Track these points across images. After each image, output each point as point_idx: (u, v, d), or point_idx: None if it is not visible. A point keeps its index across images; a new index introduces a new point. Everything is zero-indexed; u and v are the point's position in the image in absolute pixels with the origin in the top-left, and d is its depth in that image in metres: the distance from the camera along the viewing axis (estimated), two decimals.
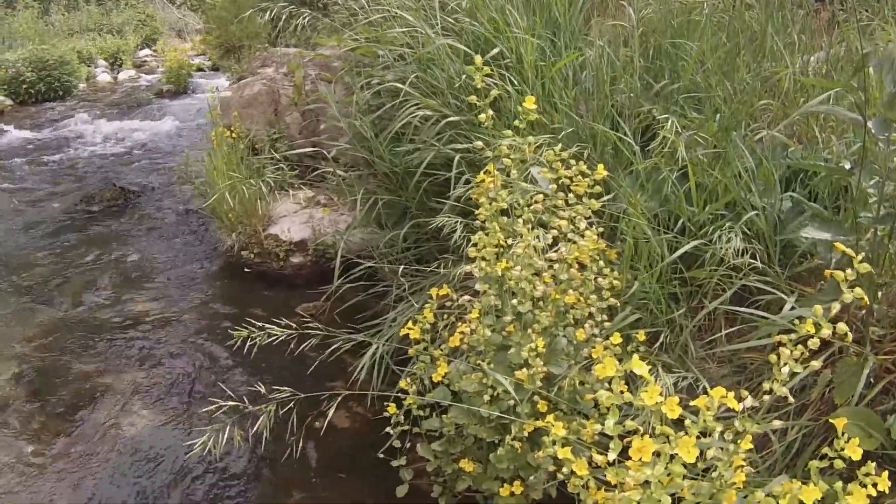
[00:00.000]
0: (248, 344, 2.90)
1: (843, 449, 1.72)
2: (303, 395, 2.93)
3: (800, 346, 1.79)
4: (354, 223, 4.30)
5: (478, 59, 2.68)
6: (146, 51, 18.78)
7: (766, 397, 1.80)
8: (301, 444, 3.35)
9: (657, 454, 1.67)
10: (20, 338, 4.86)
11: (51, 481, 3.56)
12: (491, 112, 2.83)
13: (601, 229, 2.87)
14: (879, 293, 2.67)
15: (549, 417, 2.28)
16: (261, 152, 5.85)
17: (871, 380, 2.52)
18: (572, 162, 2.62)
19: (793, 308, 2.60)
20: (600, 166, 2.63)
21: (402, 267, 3.66)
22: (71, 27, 17.66)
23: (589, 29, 4.43)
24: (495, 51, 3.77)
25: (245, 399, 2.91)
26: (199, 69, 14.84)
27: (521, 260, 2.52)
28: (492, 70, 3.10)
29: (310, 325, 3.12)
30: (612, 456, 1.80)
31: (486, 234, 2.64)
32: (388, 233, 4.14)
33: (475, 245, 2.60)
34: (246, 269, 5.33)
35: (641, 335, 2.76)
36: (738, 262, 2.86)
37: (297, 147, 5.53)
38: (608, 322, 2.73)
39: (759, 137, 3.38)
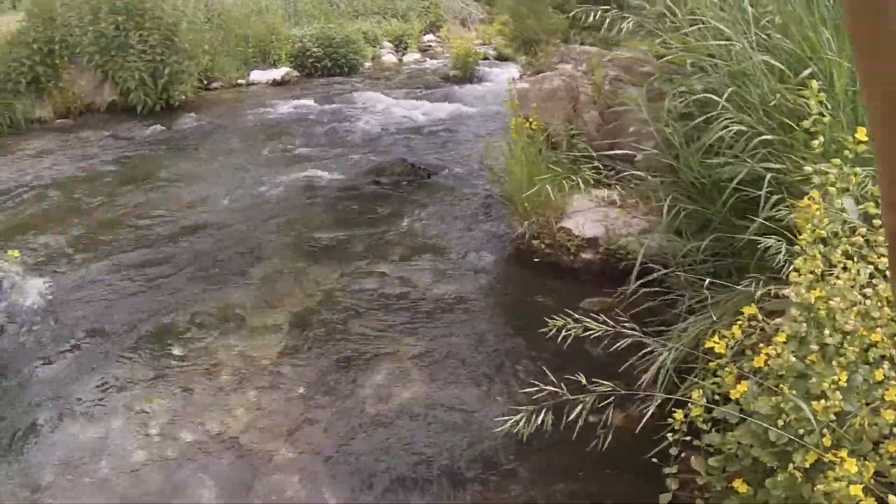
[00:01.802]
0: (542, 333, 3.04)
1: None
2: (622, 392, 3.07)
3: None
4: (657, 228, 4.37)
5: (813, 83, 2.68)
6: (430, 36, 19.61)
7: None
8: (576, 436, 3.46)
9: None
10: (303, 294, 5.32)
11: (318, 433, 3.88)
12: (820, 140, 2.83)
13: None
14: None
15: (842, 453, 2.26)
16: (558, 147, 6.03)
17: None
18: None
19: None
20: None
21: (708, 280, 3.68)
22: (356, 9, 18.71)
23: None
24: (807, 72, 3.71)
25: (562, 386, 3.08)
26: (485, 58, 15.33)
27: (839, 291, 2.50)
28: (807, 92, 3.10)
29: (625, 323, 3.23)
30: None
31: (806, 261, 2.65)
32: (688, 243, 4.17)
33: (797, 270, 2.62)
34: (535, 259, 5.54)
35: None
36: None
37: (595, 146, 5.66)
38: None
39: None
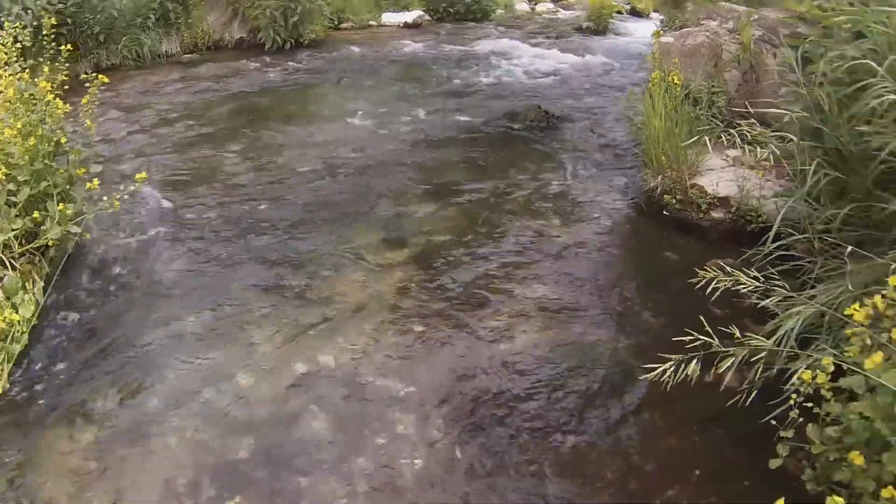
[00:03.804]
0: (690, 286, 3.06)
1: None
2: (769, 347, 3.08)
3: None
4: (796, 192, 4.31)
5: None
6: None
7: None
8: (686, 396, 3.44)
9: None
10: (428, 234, 5.41)
11: (434, 370, 3.94)
12: None
13: None
14: None
15: None
16: (698, 103, 5.97)
17: None
18: None
19: None
20: None
21: (850, 248, 3.64)
22: None
23: None
24: None
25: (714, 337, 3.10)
26: (618, 11, 15.10)
27: None
28: None
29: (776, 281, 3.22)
30: None
31: None
32: (825, 209, 4.11)
33: None
34: (664, 213, 5.55)
35: None
36: None
37: (734, 105, 5.58)
38: None
39: None
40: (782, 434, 3.09)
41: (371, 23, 13.71)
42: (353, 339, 4.16)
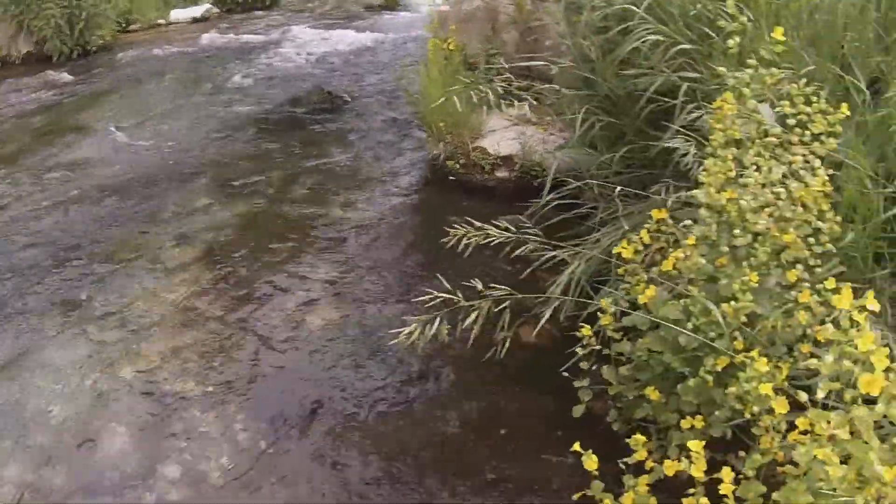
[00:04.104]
0: (450, 246, 2.97)
1: None
2: (519, 296, 3.00)
3: None
4: (569, 142, 4.29)
5: None
6: None
7: None
8: (486, 352, 3.41)
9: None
10: (218, 225, 5.20)
11: (231, 367, 3.81)
12: (736, 40, 2.76)
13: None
14: None
15: (753, 353, 2.23)
16: (476, 67, 5.91)
17: None
18: (814, 99, 2.52)
19: None
20: (844, 106, 2.52)
21: (618, 189, 3.62)
22: None
23: None
24: None
25: (458, 293, 3.02)
26: None
27: (749, 191, 2.46)
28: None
29: (528, 231, 3.14)
30: (820, 395, 1.72)
31: (716, 162, 2.60)
32: (601, 155, 4.11)
33: (707, 171, 2.57)
34: (450, 178, 5.45)
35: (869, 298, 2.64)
36: None
37: (514, 64, 5.54)
38: (819, 269, 2.64)
39: None
40: (577, 384, 3.05)
41: (160, 21, 13.02)
42: (149, 348, 3.98)
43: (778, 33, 2.63)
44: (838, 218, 2.67)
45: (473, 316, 3.05)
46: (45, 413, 3.56)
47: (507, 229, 3.01)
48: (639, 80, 3.86)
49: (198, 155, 6.71)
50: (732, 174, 2.58)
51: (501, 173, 5.22)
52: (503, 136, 5.32)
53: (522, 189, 4.97)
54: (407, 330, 3.11)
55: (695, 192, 2.65)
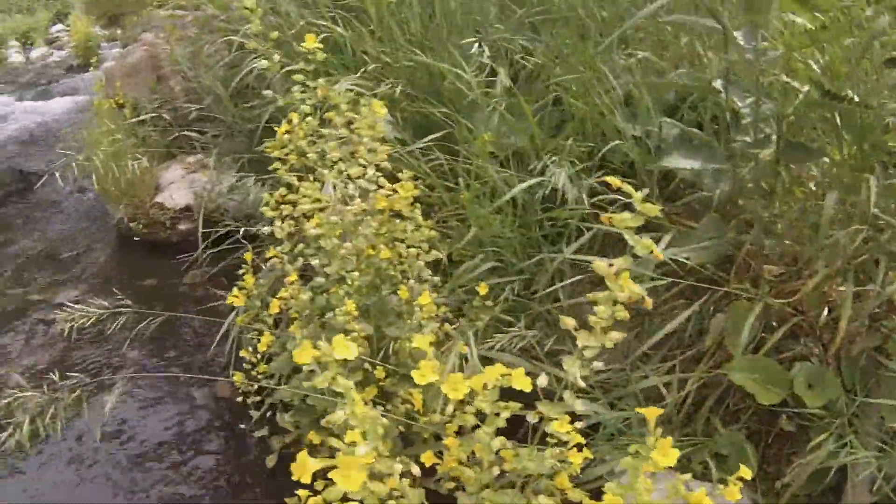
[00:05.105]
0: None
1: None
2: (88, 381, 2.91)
3: (616, 307, 1.53)
4: (222, 186, 4.25)
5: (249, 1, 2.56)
6: (59, 26, 18.24)
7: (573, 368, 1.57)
8: (170, 418, 3.33)
9: None
10: None
11: None
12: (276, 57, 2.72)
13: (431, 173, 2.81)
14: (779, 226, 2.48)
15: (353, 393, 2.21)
16: (146, 121, 5.75)
17: (775, 323, 2.40)
18: (363, 102, 2.53)
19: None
20: (375, 103, 2.51)
21: (255, 228, 3.60)
22: None
23: None
24: None
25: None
26: (113, 39, 14.47)
27: (321, 216, 2.43)
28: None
29: (123, 304, 3.05)
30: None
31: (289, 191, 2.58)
32: (250, 194, 4.09)
33: (267, 204, 2.55)
34: (136, 240, 5.28)
35: (483, 288, 2.70)
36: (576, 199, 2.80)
37: (185, 111, 5.43)
38: (437, 277, 2.69)
39: (631, 62, 3.22)
40: (257, 434, 3.03)
41: None
42: None
43: (310, 41, 2.59)
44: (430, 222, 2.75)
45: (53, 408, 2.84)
46: None
47: (101, 305, 2.87)
48: (258, 112, 3.86)
49: None
50: (310, 202, 2.56)
51: (184, 226, 5.11)
52: (178, 188, 5.21)
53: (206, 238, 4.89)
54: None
55: (267, 228, 2.62)
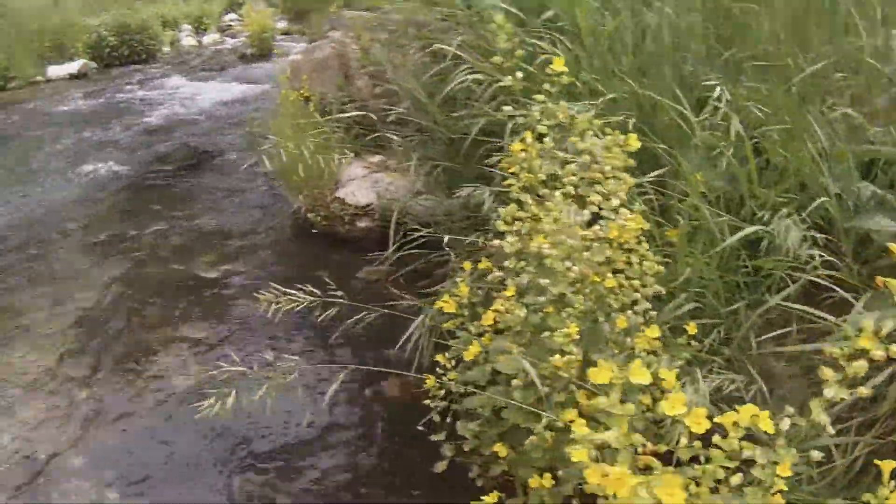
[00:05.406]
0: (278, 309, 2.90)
1: None
2: (308, 366, 2.94)
3: (855, 363, 1.56)
4: (420, 188, 4.28)
5: (498, 17, 2.57)
6: (232, 15, 18.99)
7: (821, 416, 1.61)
8: (347, 411, 3.36)
9: None
10: (85, 294, 5.05)
11: (103, 434, 3.71)
12: (519, 75, 2.73)
13: (645, 207, 2.75)
14: None
15: (571, 413, 2.17)
16: (330, 116, 5.88)
17: None
18: (608, 131, 2.50)
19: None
20: (632, 137, 2.47)
21: (446, 237, 3.61)
22: None
23: None
24: (549, 13, 3.69)
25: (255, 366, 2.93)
26: (287, 33, 14.99)
27: (552, 237, 2.37)
28: (544, 33, 3.05)
29: (335, 294, 3.09)
30: (619, 468, 1.68)
31: (519, 208, 2.55)
32: (445, 200, 4.11)
33: (503, 219, 2.53)
34: (313, 231, 5.41)
35: (692, 327, 2.61)
36: (803, 253, 2.71)
37: (370, 111, 5.53)
38: (655, 311, 2.62)
39: (833, 116, 3.13)
40: (434, 438, 3.01)
41: (38, 78, 12.73)
42: (23, 414, 3.85)
43: (558, 63, 2.59)
44: (657, 257, 2.69)
45: (264, 388, 2.93)
46: None
47: (311, 293, 2.90)
48: (467, 122, 3.88)
49: (72, 214, 6.57)
50: (541, 219, 2.54)
51: (363, 223, 5.19)
52: (360, 186, 5.29)
53: (385, 239, 4.92)
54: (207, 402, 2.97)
55: (496, 241, 2.61)
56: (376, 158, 5.48)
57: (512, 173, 2.62)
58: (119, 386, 4.06)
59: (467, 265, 2.82)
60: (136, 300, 4.94)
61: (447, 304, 2.82)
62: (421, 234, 4.07)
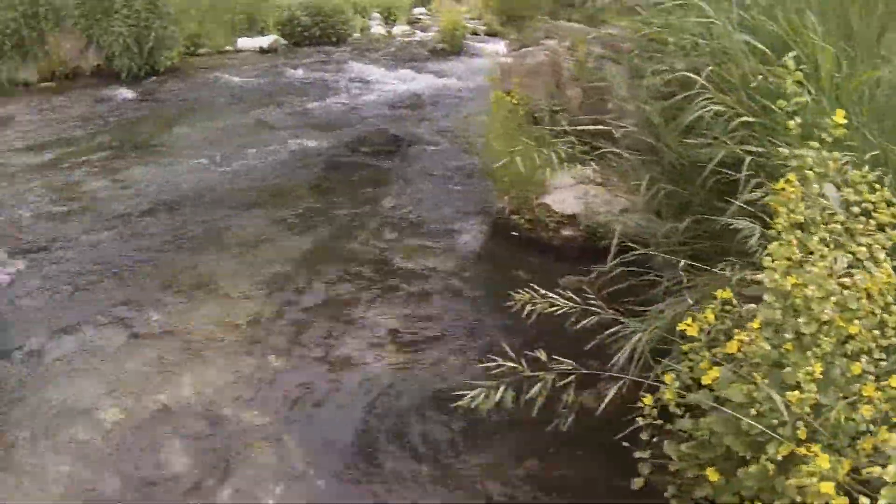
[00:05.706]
0: (514, 309, 3.00)
1: None
2: (584, 371, 3.03)
3: None
4: (635, 207, 4.33)
5: (790, 62, 2.61)
6: (420, 9, 19.33)
7: None
8: (547, 421, 3.41)
9: None
10: (279, 263, 5.31)
11: (289, 400, 3.90)
12: (797, 120, 2.77)
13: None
14: None
15: (815, 448, 2.22)
16: (539, 122, 5.97)
17: None
18: (877, 186, 2.51)
19: None
20: None
21: (682, 261, 3.64)
22: None
23: (882, 40, 4.18)
24: (792, 54, 3.66)
25: (523, 362, 3.06)
26: (474, 33, 15.22)
27: (814, 279, 2.45)
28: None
29: (591, 301, 3.18)
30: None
31: (781, 246, 2.61)
32: (667, 223, 4.13)
33: (769, 255, 2.58)
34: (514, 234, 5.52)
35: None
36: None
37: (578, 122, 5.60)
38: (884, 361, 2.62)
39: None
40: (638, 455, 3.05)
41: (227, 48, 13.39)
42: (210, 372, 4.11)
43: (839, 116, 2.63)
44: None
45: (538, 387, 3.08)
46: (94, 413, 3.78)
47: (570, 299, 3.01)
48: (702, 151, 3.89)
49: (262, 184, 6.91)
50: (797, 259, 2.60)
51: (567, 232, 5.27)
52: (567, 195, 5.38)
53: (587, 250, 5.01)
54: (472, 394, 3.14)
55: (759, 276, 2.65)
56: (583, 170, 5.54)
57: (777, 212, 2.66)
58: (313, 363, 4.23)
59: (720, 293, 2.85)
60: (329, 277, 5.14)
61: (690, 328, 2.87)
62: (637, 251, 4.11)
